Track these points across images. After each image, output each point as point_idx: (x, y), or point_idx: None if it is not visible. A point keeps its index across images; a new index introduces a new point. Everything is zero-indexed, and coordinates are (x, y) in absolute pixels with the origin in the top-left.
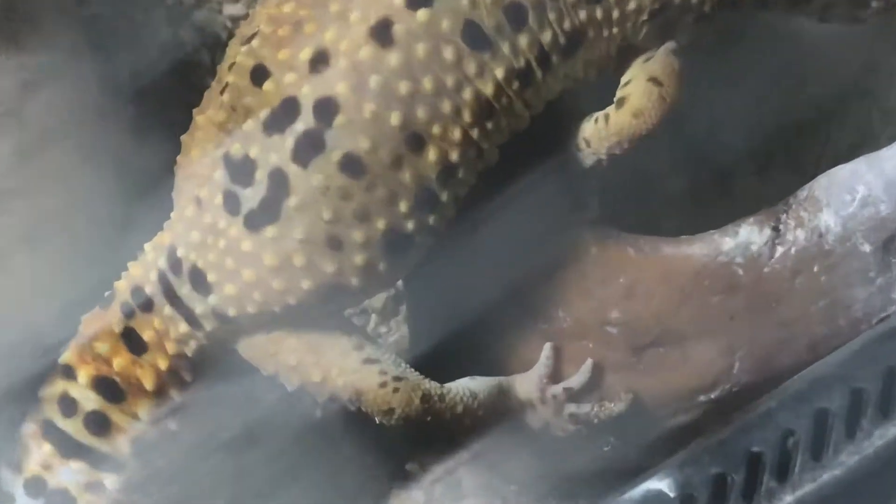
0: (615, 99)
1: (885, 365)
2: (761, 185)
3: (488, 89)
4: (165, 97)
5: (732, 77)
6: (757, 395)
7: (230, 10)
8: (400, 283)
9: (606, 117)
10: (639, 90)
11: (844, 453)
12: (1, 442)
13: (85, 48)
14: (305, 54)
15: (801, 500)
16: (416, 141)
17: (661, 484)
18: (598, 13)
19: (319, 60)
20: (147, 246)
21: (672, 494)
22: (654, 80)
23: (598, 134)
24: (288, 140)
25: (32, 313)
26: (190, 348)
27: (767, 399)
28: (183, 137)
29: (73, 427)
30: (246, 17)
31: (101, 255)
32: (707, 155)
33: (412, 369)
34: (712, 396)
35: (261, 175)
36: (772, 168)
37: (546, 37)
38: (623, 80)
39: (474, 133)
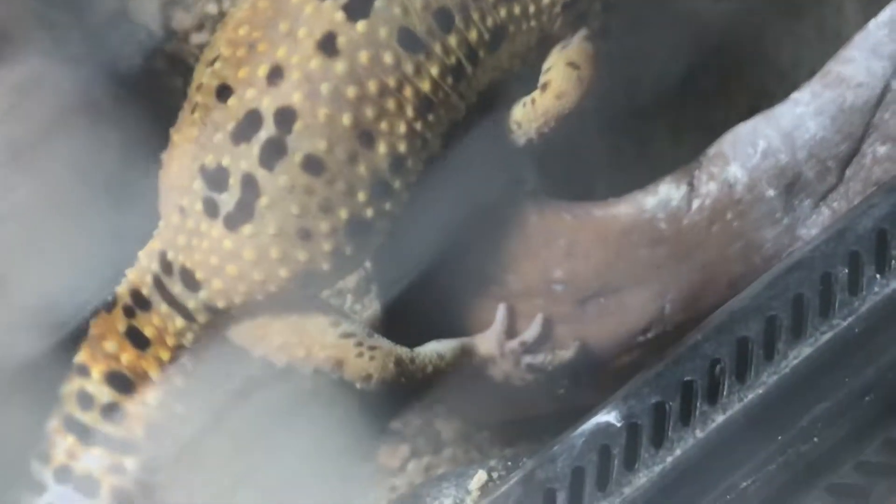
0: (539, 84)
1: (793, 293)
2: (676, 147)
3: (426, 86)
4: (144, 120)
5: (642, 54)
6: (687, 331)
7: (196, 39)
8: (369, 264)
9: (533, 101)
10: (559, 75)
11: (765, 374)
12: (25, 434)
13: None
14: (262, 71)
15: (730, 419)
16: (367, 138)
17: (608, 416)
18: (517, 9)
19: (275, 75)
20: (141, 253)
21: (619, 424)
22: (572, 65)
23: (527, 116)
24: (254, 148)
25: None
26: (188, 339)
27: (694, 333)
28: (163, 155)
29: (91, 418)
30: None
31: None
32: (626, 125)
33: (385, 339)
34: (649, 336)
35: (233, 181)
36: (684, 131)
37: (472, 35)
38: (544, 67)
39: (418, 126)
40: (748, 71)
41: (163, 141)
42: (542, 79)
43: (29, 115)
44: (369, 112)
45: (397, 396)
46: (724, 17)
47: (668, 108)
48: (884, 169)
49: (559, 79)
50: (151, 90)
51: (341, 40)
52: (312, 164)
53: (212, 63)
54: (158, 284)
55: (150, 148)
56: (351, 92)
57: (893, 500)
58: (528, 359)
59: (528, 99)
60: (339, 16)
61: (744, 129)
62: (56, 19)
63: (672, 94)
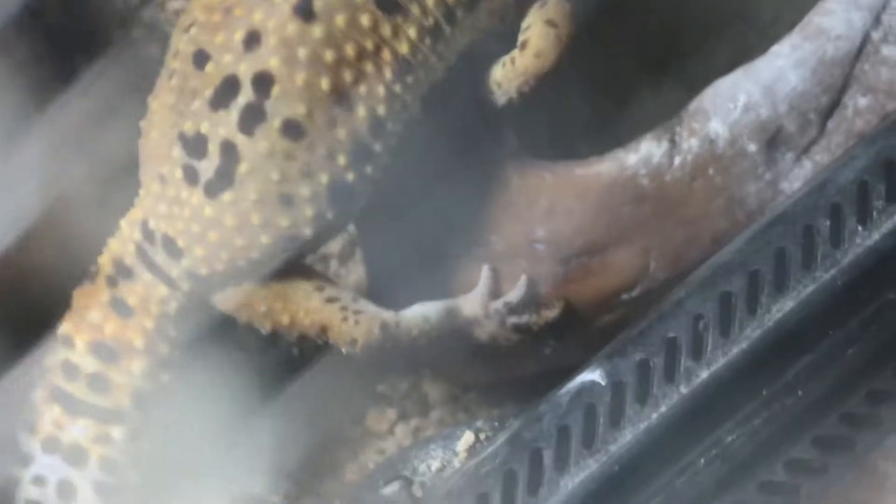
0: (518, 43)
1: (775, 247)
2: (657, 103)
3: (404, 48)
4: (122, 89)
5: (621, 12)
6: (672, 288)
7: (172, 5)
8: (353, 228)
9: (512, 60)
10: (537, 33)
11: (748, 328)
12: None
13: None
14: (239, 36)
15: (714, 374)
16: (346, 101)
17: (593, 375)
18: None
19: (252, 40)
20: (122, 222)
21: (603, 383)
22: (549, 23)
23: (506, 76)
24: (233, 114)
25: None
26: (171, 308)
27: (678, 290)
28: (141, 123)
29: (76, 389)
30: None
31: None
32: (607, 82)
33: (370, 303)
34: (633, 294)
35: (213, 147)
36: (664, 88)
37: None
38: (523, 25)
39: (397, 88)
40: (728, 26)
41: (141, 109)
42: (521, 37)
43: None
44: (348, 75)
45: (383, 360)
46: None
47: (647, 64)
48: (865, 120)
49: (537, 37)
50: (129, 58)
51: (318, 4)
52: (292, 129)
53: (188, 29)
54: (141, 253)
55: (129, 116)
56: (329, 56)
57: (879, 451)
58: (513, 319)
59: (507, 58)
60: None
61: (724, 84)
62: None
63: (652, 49)
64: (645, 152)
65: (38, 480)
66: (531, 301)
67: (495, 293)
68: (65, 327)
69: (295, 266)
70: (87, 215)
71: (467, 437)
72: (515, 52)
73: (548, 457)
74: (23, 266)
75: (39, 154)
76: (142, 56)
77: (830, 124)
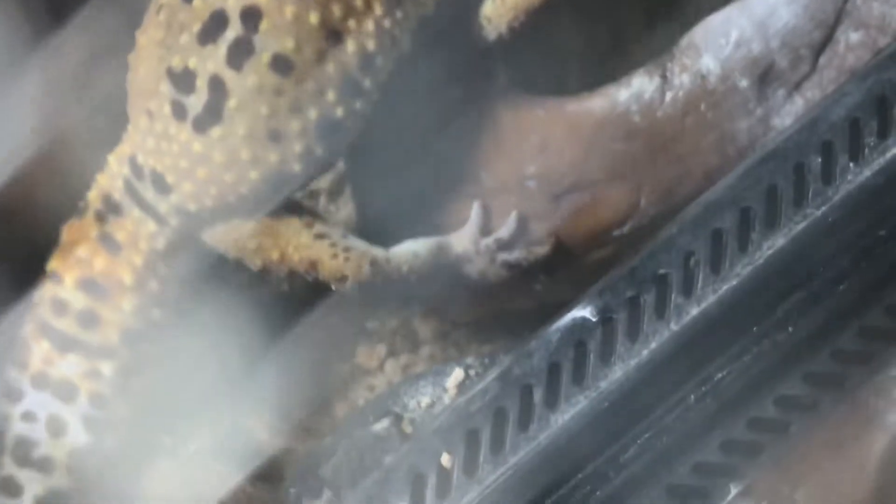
0: None
1: (766, 184)
2: (649, 37)
3: None
4: (118, 26)
5: None
6: (664, 225)
7: None
8: (342, 164)
9: None
10: None
11: (739, 265)
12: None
13: None
14: None
15: (704, 311)
16: (335, 36)
17: (584, 311)
18: None
19: None
20: (110, 157)
21: (594, 319)
22: None
23: (496, 11)
24: (221, 48)
25: None
26: (160, 243)
27: (669, 226)
28: (129, 57)
29: (66, 325)
30: None
31: None
32: (598, 16)
33: (360, 239)
34: (625, 231)
35: (201, 83)
36: (657, 21)
37: None
38: None
39: (386, 23)
40: None
41: (130, 43)
42: None
43: None
44: (336, 10)
45: (373, 296)
46: None
47: None
48: (857, 56)
49: None
50: None
51: None
52: (280, 64)
53: None
54: (129, 189)
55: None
56: None
57: (868, 386)
58: (503, 255)
59: None
60: None
61: (716, 20)
62: None
63: None
64: (637, 88)
65: (28, 416)
66: (521, 237)
67: (486, 229)
68: (53, 263)
69: (285, 202)
70: (82, 152)
71: (457, 374)
72: None
73: (538, 393)
74: (16, 202)
75: (35, 91)
76: None
77: (822, 60)
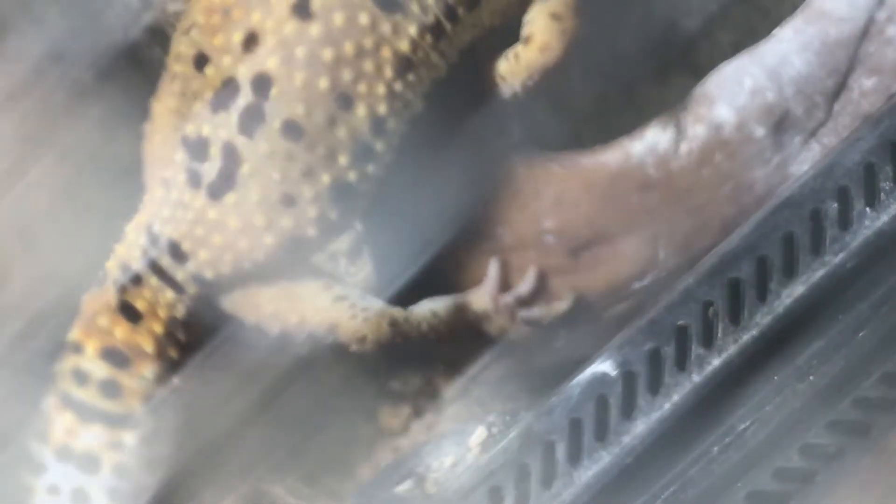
0: (522, 37)
1: (783, 232)
2: (662, 90)
3: (404, 46)
4: (127, 92)
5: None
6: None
7: (172, 7)
8: (360, 226)
9: (517, 55)
10: (542, 27)
11: (758, 315)
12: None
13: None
14: (237, 37)
15: (726, 361)
16: (345, 100)
17: (604, 366)
18: None
19: (250, 41)
20: (128, 227)
21: (614, 373)
22: (554, 16)
23: (511, 70)
24: (233, 116)
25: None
26: (179, 311)
27: (686, 277)
28: (145, 126)
29: (87, 395)
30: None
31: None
32: (611, 71)
33: (378, 300)
34: (644, 283)
35: (214, 150)
36: (669, 73)
37: None
38: (526, 19)
39: (397, 86)
40: (731, 9)
41: (145, 112)
42: (525, 31)
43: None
44: (346, 74)
45: (394, 357)
46: None
47: (651, 50)
48: (871, 102)
49: (542, 32)
50: (131, 62)
51: (315, 3)
52: (291, 130)
53: (188, 31)
54: (147, 257)
55: (133, 120)
56: (327, 55)
57: (894, 434)
58: (523, 313)
59: (511, 52)
60: None
61: (729, 68)
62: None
63: (655, 35)
64: (650, 140)
65: (53, 490)
66: (541, 293)
67: (505, 286)
68: (74, 333)
69: (302, 266)
70: (100, 222)
71: (480, 432)
72: (520, 47)
73: (560, 450)
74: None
75: (51, 162)
76: (144, 59)
77: (837, 106)
